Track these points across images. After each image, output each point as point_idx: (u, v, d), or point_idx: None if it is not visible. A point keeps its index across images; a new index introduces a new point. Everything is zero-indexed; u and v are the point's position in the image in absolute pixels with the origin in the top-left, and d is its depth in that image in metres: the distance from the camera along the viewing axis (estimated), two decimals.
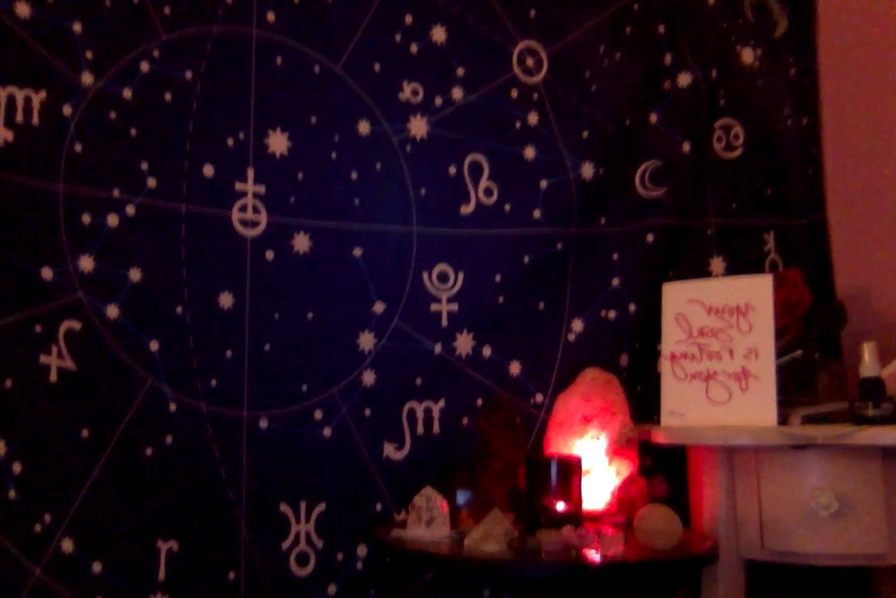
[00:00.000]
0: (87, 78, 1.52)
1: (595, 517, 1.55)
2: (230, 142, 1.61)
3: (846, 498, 1.38)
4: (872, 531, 1.38)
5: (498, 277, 1.75)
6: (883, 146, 1.88)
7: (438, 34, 1.76)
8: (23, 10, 1.47)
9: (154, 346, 1.52)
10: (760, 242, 1.90)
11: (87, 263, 1.49)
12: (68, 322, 1.47)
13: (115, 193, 1.52)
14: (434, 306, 1.72)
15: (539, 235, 1.79)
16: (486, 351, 1.74)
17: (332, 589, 1.59)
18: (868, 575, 1.64)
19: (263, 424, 1.57)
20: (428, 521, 1.44)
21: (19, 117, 1.45)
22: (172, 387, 1.52)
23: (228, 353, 1.57)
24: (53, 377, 1.44)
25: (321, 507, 1.60)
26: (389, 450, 1.65)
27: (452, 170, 1.75)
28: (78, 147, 1.50)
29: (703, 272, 1.84)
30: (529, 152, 1.80)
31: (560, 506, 1.45)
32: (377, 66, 1.72)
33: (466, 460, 1.63)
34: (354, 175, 1.69)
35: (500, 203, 1.77)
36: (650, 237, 1.84)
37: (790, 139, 1.95)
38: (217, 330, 1.57)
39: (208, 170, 1.59)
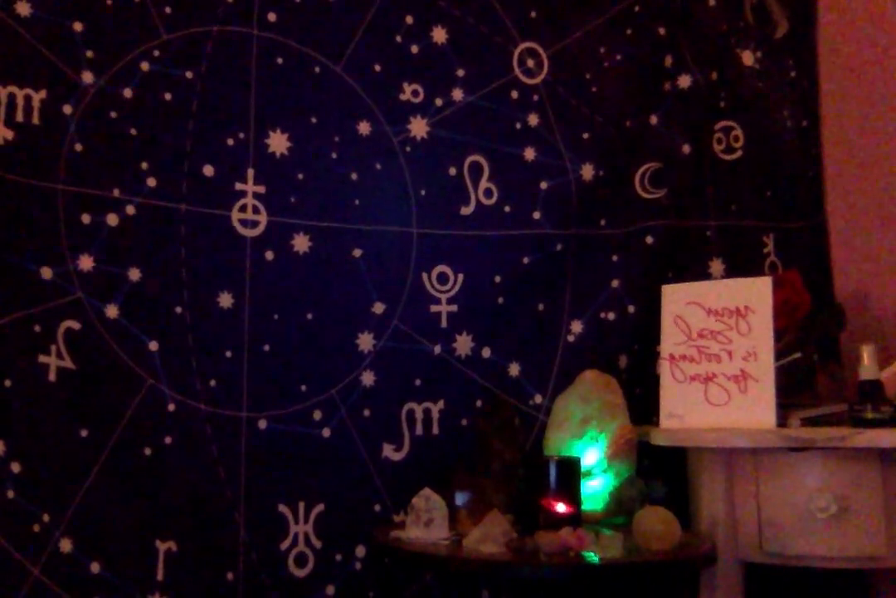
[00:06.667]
0: (87, 77, 1.51)
1: (594, 519, 1.55)
2: (230, 142, 1.60)
3: (845, 500, 1.38)
4: (871, 534, 1.38)
5: (497, 279, 1.75)
6: (883, 148, 1.89)
7: (439, 35, 1.76)
8: (23, 8, 1.47)
9: (153, 346, 1.52)
10: (760, 244, 1.90)
11: (86, 263, 1.49)
12: (67, 322, 1.46)
13: (115, 192, 1.52)
14: (433, 307, 1.71)
15: (539, 236, 1.79)
16: (486, 352, 1.74)
17: (330, 590, 1.59)
18: (866, 578, 1.64)
19: (262, 424, 1.57)
20: (427, 522, 1.44)
21: (19, 116, 1.45)
22: (171, 387, 1.52)
23: (228, 353, 1.56)
24: (52, 377, 1.44)
25: (320, 508, 1.60)
26: (388, 451, 1.65)
27: (452, 171, 1.75)
28: (78, 146, 1.50)
29: (702, 274, 1.84)
30: (529, 153, 1.80)
31: (559, 507, 1.45)
32: (377, 67, 1.72)
33: (465, 461, 1.62)
34: (354, 176, 1.69)
35: (500, 204, 1.77)
36: (650, 239, 1.84)
37: (790, 141, 1.95)
38: (216, 330, 1.56)
39: (208, 170, 1.59)
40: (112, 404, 1.48)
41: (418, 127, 1.74)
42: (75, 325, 1.47)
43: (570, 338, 1.79)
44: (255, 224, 1.61)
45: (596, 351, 1.78)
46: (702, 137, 1.89)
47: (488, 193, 1.77)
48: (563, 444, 1.61)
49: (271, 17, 1.65)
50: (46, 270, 1.46)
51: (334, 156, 1.67)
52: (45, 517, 1.41)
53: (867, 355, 1.47)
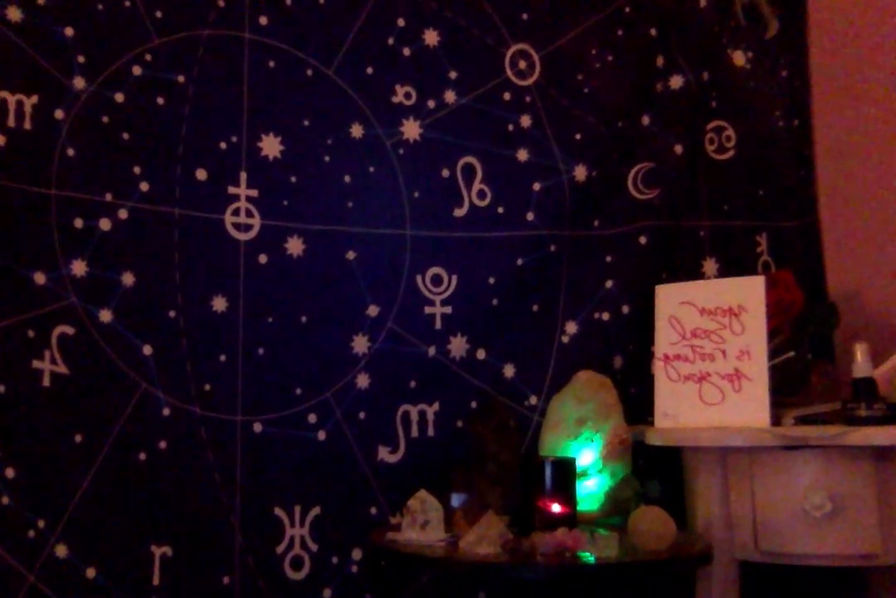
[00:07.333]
0: (79, 82, 1.51)
1: (590, 519, 1.55)
2: (223, 146, 1.60)
3: (839, 499, 1.38)
4: (865, 532, 1.39)
5: (491, 280, 1.76)
6: (874, 147, 1.89)
7: (431, 37, 1.77)
8: (14, 14, 1.47)
9: (147, 350, 1.52)
10: (753, 243, 1.91)
11: (79, 268, 1.49)
12: (61, 327, 1.46)
13: (108, 197, 1.52)
14: (428, 309, 1.72)
15: (532, 237, 1.79)
16: (481, 354, 1.74)
17: (327, 593, 1.59)
18: (862, 575, 1.64)
19: (258, 428, 1.57)
20: (423, 524, 1.44)
21: (11, 122, 1.45)
22: (166, 391, 1.52)
23: (222, 357, 1.56)
24: (46, 382, 1.44)
25: (316, 511, 1.60)
26: (384, 453, 1.65)
27: (446, 172, 1.75)
28: (70, 151, 1.50)
29: (695, 274, 1.85)
30: (522, 155, 1.80)
31: (555, 508, 1.46)
32: (370, 70, 1.72)
33: (461, 462, 1.62)
34: (347, 178, 1.69)
35: (494, 206, 1.78)
36: (643, 239, 1.85)
37: (782, 141, 1.96)
38: (210, 334, 1.56)
39: (201, 174, 1.59)
40: (106, 408, 1.48)
41: (411, 129, 1.74)
42: (69, 330, 1.47)
43: (565, 339, 1.79)
44: (248, 228, 1.61)
45: (590, 352, 1.79)
46: (694, 137, 1.90)
47: (481, 194, 1.78)
48: (559, 445, 1.61)
49: (262, 20, 1.65)
50: (40, 275, 1.46)
51: (327, 159, 1.68)
52: (41, 523, 1.41)
53: (860, 353, 1.47)
